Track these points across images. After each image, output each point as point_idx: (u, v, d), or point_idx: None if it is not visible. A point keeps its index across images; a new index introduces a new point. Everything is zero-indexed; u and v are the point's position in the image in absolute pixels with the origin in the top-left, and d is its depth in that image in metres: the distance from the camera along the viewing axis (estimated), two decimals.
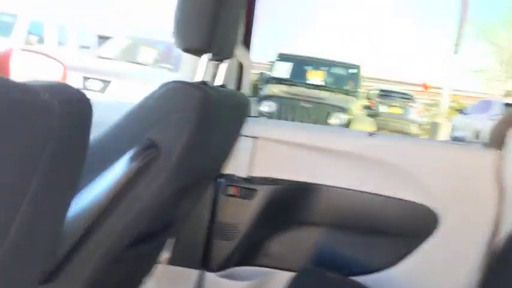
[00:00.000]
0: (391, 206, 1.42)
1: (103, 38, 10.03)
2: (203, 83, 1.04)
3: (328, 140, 1.46)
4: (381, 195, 1.42)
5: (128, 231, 0.98)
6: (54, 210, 0.59)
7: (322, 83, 8.18)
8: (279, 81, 7.90)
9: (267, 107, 6.94)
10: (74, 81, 6.12)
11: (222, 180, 1.48)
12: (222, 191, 1.47)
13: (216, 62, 1.20)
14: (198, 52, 1.05)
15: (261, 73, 8.49)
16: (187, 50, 1.05)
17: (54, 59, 2.04)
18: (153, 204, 0.97)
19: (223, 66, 1.19)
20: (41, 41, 8.35)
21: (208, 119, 0.99)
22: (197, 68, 1.06)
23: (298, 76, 8.20)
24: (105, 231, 0.95)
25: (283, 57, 8.48)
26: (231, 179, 1.48)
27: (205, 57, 1.05)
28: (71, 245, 0.90)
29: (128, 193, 0.93)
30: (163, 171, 0.93)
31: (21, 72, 1.92)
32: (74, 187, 0.63)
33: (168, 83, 0.95)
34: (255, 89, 8.90)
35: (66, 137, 0.56)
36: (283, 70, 8.29)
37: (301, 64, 8.43)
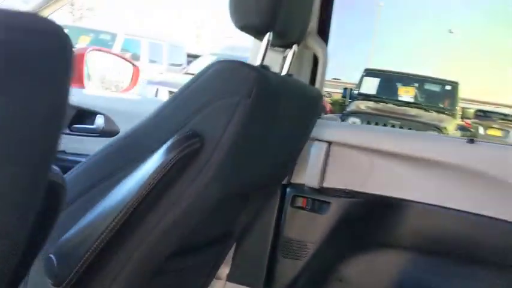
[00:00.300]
0: (497, 229, 1.15)
1: (192, 57, 10.39)
2: (263, 67, 0.88)
3: (417, 148, 1.23)
4: (482, 216, 1.16)
5: (166, 239, 0.83)
6: (12, 179, 0.43)
7: (412, 100, 7.71)
8: (366, 97, 7.56)
9: (351, 123, 6.64)
10: (162, 95, 6.38)
11: (290, 189, 1.29)
12: (290, 202, 1.29)
13: (282, 50, 1.03)
14: (257, 31, 0.89)
15: (345, 89, 8.20)
16: (244, 29, 0.89)
17: (127, 60, 2.02)
18: (196, 208, 0.81)
19: (290, 53, 1.02)
20: (134, 57, 8.77)
21: (266, 107, 0.82)
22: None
23: (386, 92, 7.79)
24: (138, 237, 0.80)
25: (370, 73, 8.13)
26: (300, 189, 1.29)
27: (266, 37, 0.88)
28: (95, 252, 0.76)
29: (165, 192, 0.78)
30: (207, 169, 0.77)
31: (94, 69, 1.92)
32: (47, 146, 0.45)
33: (219, 62, 0.80)
34: (340, 106, 8.61)
35: (22, 73, 0.40)
36: (371, 86, 7.93)
37: (389, 80, 8.01)
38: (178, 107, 0.80)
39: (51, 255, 0.80)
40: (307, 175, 1.28)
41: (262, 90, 0.78)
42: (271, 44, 1.04)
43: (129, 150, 0.82)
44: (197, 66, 7.92)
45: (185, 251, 0.97)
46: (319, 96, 1.09)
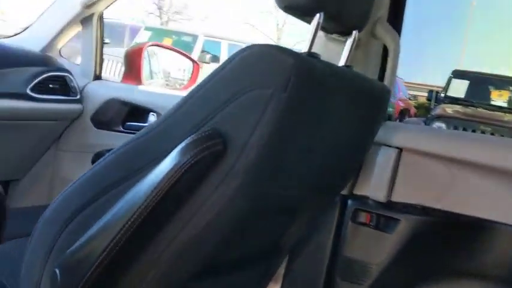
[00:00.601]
0: None
1: None
2: (310, 54, 0.72)
3: (509, 158, 1.01)
4: None
5: (186, 257, 0.70)
6: None
7: (506, 105, 7.05)
8: (453, 100, 7.03)
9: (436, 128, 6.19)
10: None
11: (351, 201, 1.12)
12: (351, 217, 1.12)
13: (344, 39, 0.87)
14: (303, 12, 0.73)
15: (430, 91, 7.69)
16: (289, 10, 0.74)
17: (188, 57, 1.94)
18: (220, 222, 0.67)
19: (349, 41, 0.85)
20: (214, 59, 8.88)
21: (308, 103, 0.66)
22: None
23: (476, 95, 7.19)
24: (151, 255, 0.68)
25: (458, 74, 7.56)
26: (364, 202, 1.11)
27: (316, 20, 0.72)
28: (98, 270, 0.64)
29: (180, 203, 0.65)
30: (232, 176, 0.63)
31: (157, 65, 1.88)
32: None
33: (252, 46, 0.65)
34: (426, 109, 8.14)
35: None
36: (459, 88, 7.37)
37: (480, 82, 7.39)
38: (198, 102, 0.66)
39: (56, 269, 0.69)
40: (373, 186, 1.10)
41: (302, 81, 0.62)
42: (329, 31, 0.88)
43: (141, 154, 0.69)
44: None
45: (221, 269, 0.84)
46: (386, 94, 0.91)
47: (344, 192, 1.12)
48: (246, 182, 0.64)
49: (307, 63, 0.64)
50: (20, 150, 1.57)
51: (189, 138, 0.62)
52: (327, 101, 0.71)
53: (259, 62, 0.63)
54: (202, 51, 8.78)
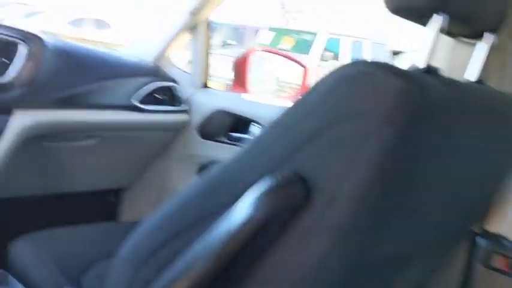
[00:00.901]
0: None
1: (397, 53, 9.76)
2: (428, 69, 0.55)
3: None
4: None
5: None
6: None
7: None
8: None
9: None
10: None
11: (483, 241, 0.91)
12: (482, 260, 0.91)
13: (466, 42, 0.69)
14: (421, 13, 0.57)
15: None
16: (401, 12, 0.58)
17: (297, 62, 1.83)
18: (308, 284, 0.54)
19: (481, 48, 0.66)
20: (335, 57, 8.63)
21: (424, 137, 0.50)
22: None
23: None
24: None
25: None
26: (499, 243, 0.90)
27: (435, 23, 0.56)
28: None
29: (252, 264, 0.53)
30: (320, 233, 0.50)
31: (265, 72, 1.81)
32: None
33: (348, 65, 0.50)
34: None
35: None
36: None
37: None
38: (277, 136, 0.53)
39: None
40: (511, 224, 0.88)
41: (415, 109, 0.47)
42: (452, 35, 0.70)
43: (213, 196, 0.59)
44: (398, 64, 7.41)
45: None
46: None
47: (474, 228, 0.92)
48: (338, 240, 0.50)
49: (421, 85, 0.48)
50: (128, 160, 1.58)
51: (263, 182, 0.50)
52: (449, 130, 0.54)
53: (356, 85, 0.48)
54: (325, 50, 8.59)
